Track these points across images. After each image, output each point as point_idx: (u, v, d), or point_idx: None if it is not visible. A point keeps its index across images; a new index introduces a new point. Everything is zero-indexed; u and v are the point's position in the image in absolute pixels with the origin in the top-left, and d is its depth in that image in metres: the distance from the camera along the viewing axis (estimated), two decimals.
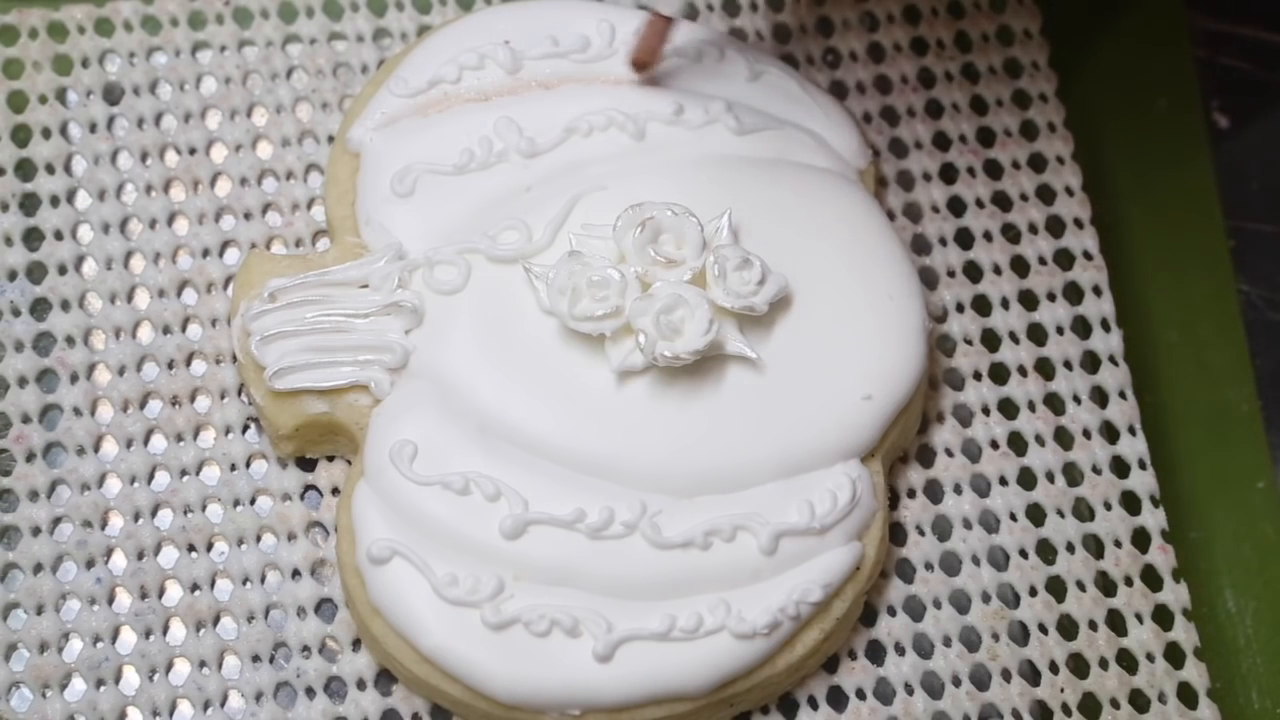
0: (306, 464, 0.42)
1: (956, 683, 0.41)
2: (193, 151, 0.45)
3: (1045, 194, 0.46)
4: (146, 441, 0.42)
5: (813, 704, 0.40)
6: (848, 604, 0.40)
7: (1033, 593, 0.42)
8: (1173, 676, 0.41)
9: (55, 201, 0.44)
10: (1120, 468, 0.44)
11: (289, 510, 0.41)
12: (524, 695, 0.38)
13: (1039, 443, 0.43)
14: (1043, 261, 0.46)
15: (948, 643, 0.41)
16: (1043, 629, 0.42)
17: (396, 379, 0.40)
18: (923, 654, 0.41)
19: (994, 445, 0.43)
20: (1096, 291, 0.45)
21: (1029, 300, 0.45)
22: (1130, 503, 0.43)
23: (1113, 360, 0.45)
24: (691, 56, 0.44)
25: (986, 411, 0.44)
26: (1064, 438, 0.44)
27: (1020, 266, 0.46)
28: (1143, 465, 0.44)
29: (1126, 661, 0.42)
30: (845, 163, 0.44)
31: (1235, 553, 0.44)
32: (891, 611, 0.42)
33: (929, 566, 0.42)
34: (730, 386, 0.40)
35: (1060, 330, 0.45)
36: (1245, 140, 0.50)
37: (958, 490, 0.43)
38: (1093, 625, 0.42)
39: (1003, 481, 0.43)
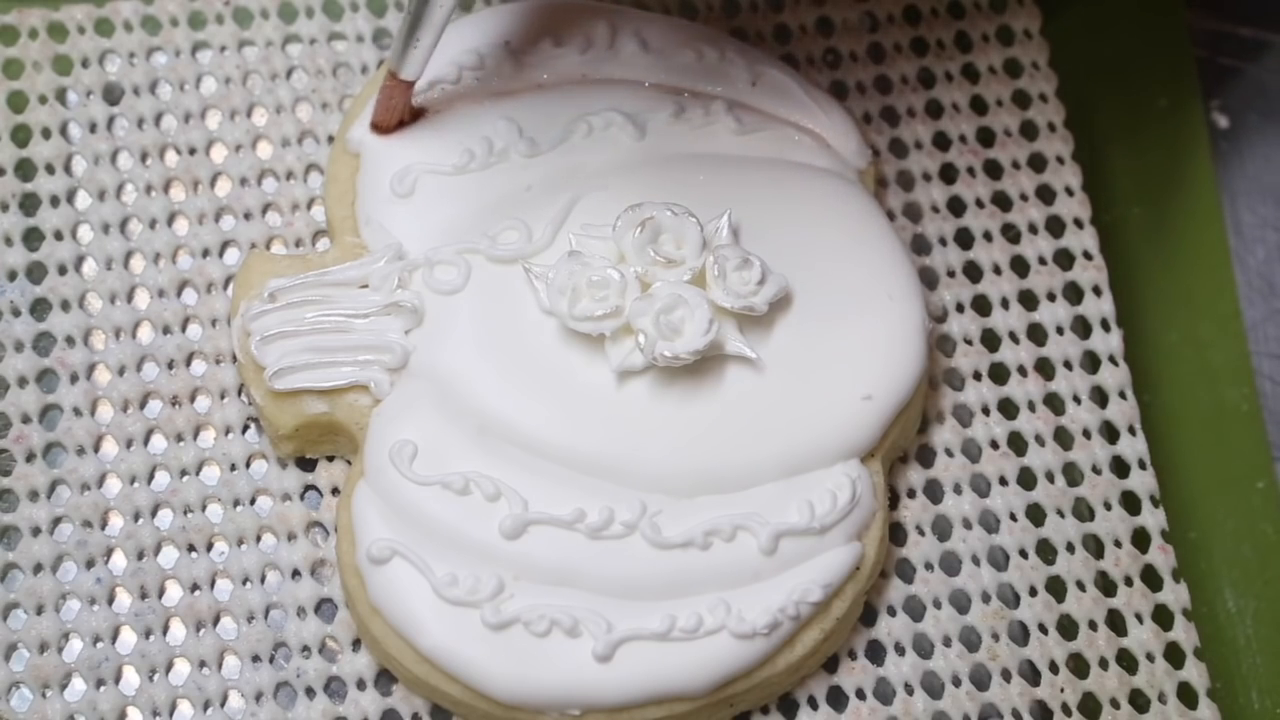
0: (306, 464, 0.42)
1: (956, 683, 0.41)
2: (193, 151, 0.45)
3: (1045, 194, 0.46)
4: (146, 441, 0.42)
5: (813, 704, 0.40)
6: (848, 604, 0.40)
7: (1033, 593, 0.42)
8: (1173, 676, 0.41)
9: (55, 201, 0.44)
10: (1120, 468, 0.44)
11: (289, 510, 0.41)
12: (524, 695, 0.38)
13: (1039, 443, 0.43)
14: (1043, 261, 0.46)
15: (948, 643, 0.41)
16: (1043, 629, 0.42)
17: (396, 379, 0.40)
18: (923, 654, 0.41)
19: (994, 445, 0.43)
20: (1096, 291, 0.45)
21: (1029, 300, 0.45)
22: (1130, 503, 0.43)
23: (1113, 360, 0.45)
24: (691, 57, 0.44)
25: (986, 411, 0.44)
26: (1064, 438, 0.44)
27: (1020, 266, 0.46)
28: (1143, 465, 0.44)
29: (1126, 661, 0.42)
30: (845, 163, 0.44)
31: (1235, 553, 0.44)
32: (891, 611, 0.42)
33: (929, 566, 0.42)
34: (730, 386, 0.40)
35: (1060, 330, 0.45)
36: (1245, 140, 0.50)
37: (958, 490, 0.43)
38: (1093, 625, 0.42)
39: (1003, 481, 0.43)
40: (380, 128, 0.42)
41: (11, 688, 0.39)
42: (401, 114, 0.42)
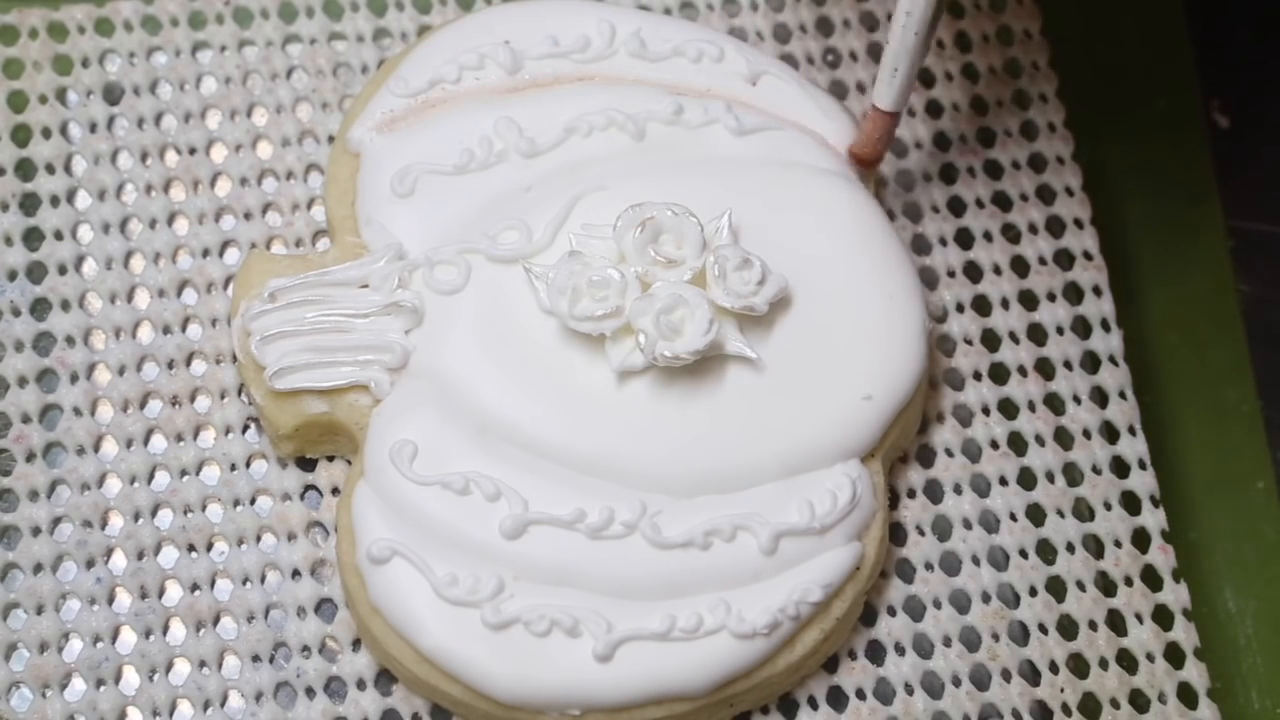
0: (306, 464, 0.42)
1: (956, 683, 0.41)
2: (193, 151, 0.45)
3: (1045, 194, 0.46)
4: (146, 441, 0.42)
5: (813, 704, 0.40)
6: (848, 604, 0.40)
7: (1033, 593, 0.42)
8: (1173, 676, 0.41)
9: (55, 201, 0.44)
10: (1120, 468, 0.44)
11: (289, 510, 0.41)
12: (524, 695, 0.38)
13: (1039, 443, 0.43)
14: (1043, 261, 0.46)
15: (948, 643, 0.41)
16: (1043, 629, 0.42)
17: (396, 379, 0.40)
18: (923, 654, 0.41)
19: (994, 445, 0.43)
20: (1096, 291, 0.45)
21: (1029, 300, 0.45)
22: (1130, 503, 0.43)
23: (1113, 360, 0.45)
24: (691, 57, 0.44)
25: (986, 411, 0.44)
26: (1064, 438, 0.44)
27: (1020, 266, 0.46)
28: (1143, 465, 0.44)
29: (1126, 661, 0.42)
30: (846, 163, 0.44)
31: (1235, 553, 0.44)
32: (891, 611, 0.42)
33: (929, 566, 0.42)
34: (730, 386, 0.40)
35: (1060, 330, 0.45)
36: (1245, 140, 0.50)
37: (958, 490, 0.43)
38: (1093, 625, 0.42)
39: (1003, 481, 0.43)
40: (864, 160, 0.43)
41: (11, 688, 0.39)
42: (887, 143, 0.43)
